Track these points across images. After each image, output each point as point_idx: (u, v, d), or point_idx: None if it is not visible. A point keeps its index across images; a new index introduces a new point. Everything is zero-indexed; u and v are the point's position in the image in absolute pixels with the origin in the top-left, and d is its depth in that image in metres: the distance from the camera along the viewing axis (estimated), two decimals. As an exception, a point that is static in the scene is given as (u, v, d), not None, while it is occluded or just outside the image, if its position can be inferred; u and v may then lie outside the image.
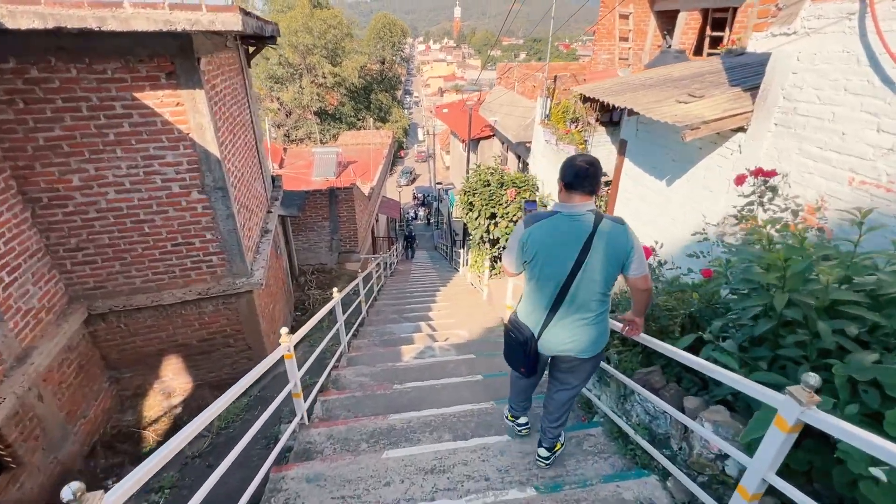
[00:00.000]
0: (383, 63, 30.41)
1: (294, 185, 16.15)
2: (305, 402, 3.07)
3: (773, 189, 2.47)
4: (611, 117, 10.02)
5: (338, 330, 4.52)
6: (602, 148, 7.23)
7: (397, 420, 3.00)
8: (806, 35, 3.01)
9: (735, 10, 8.82)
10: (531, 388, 2.50)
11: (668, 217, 4.67)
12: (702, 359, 1.88)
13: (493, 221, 7.26)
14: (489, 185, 7.28)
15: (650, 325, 2.59)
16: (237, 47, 5.01)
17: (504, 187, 7.14)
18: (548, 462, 2.41)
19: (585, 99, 9.68)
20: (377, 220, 18.09)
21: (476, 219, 7.24)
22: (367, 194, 14.93)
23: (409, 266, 17.64)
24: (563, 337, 1.96)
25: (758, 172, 2.43)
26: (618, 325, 2.35)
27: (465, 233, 15.43)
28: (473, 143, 13.54)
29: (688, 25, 9.92)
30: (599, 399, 3.02)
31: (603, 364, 2.71)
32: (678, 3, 10.25)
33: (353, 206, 11.91)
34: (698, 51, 9.55)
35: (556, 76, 8.88)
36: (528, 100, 9.92)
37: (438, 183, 35.97)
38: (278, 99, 25.13)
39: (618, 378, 2.61)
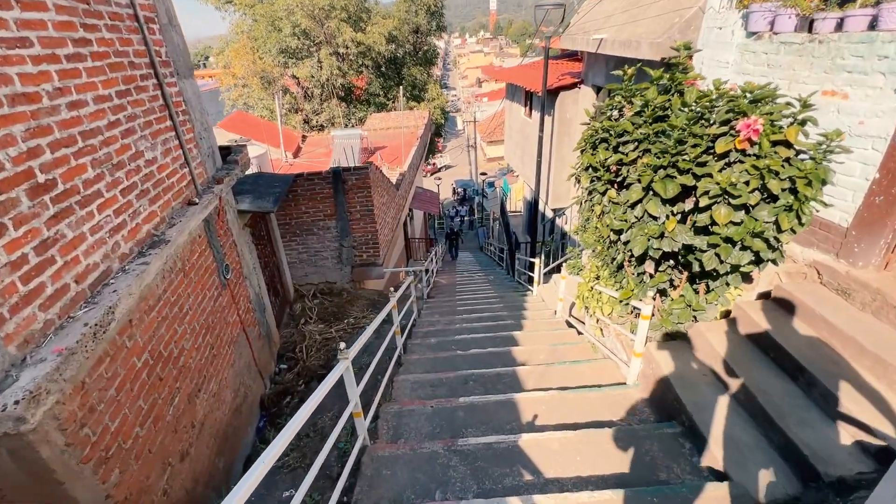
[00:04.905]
0: (417, 32, 26.02)
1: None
2: None
3: None
4: None
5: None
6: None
7: None
8: None
9: None
10: None
11: None
12: None
13: (672, 209, 2.91)
14: (667, 118, 2.92)
15: None
16: None
17: (715, 120, 2.73)
18: None
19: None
20: (411, 218, 13.97)
21: (637, 204, 2.88)
22: (394, 182, 10.83)
23: (453, 275, 13.42)
24: None
25: None
26: None
27: (534, 233, 10.82)
28: (550, 99, 9.04)
29: None
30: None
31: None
32: None
33: (369, 196, 7.80)
34: None
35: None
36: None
37: (483, 173, 31.70)
38: (293, 76, 21.41)
39: None
